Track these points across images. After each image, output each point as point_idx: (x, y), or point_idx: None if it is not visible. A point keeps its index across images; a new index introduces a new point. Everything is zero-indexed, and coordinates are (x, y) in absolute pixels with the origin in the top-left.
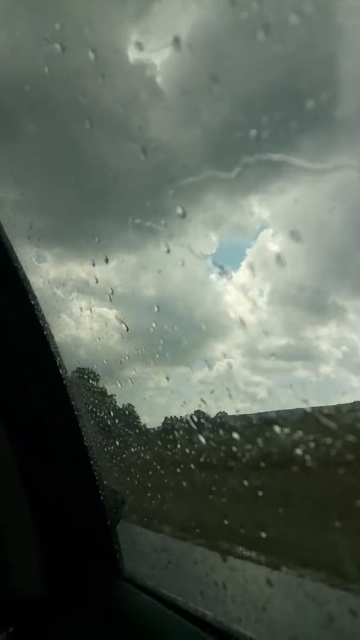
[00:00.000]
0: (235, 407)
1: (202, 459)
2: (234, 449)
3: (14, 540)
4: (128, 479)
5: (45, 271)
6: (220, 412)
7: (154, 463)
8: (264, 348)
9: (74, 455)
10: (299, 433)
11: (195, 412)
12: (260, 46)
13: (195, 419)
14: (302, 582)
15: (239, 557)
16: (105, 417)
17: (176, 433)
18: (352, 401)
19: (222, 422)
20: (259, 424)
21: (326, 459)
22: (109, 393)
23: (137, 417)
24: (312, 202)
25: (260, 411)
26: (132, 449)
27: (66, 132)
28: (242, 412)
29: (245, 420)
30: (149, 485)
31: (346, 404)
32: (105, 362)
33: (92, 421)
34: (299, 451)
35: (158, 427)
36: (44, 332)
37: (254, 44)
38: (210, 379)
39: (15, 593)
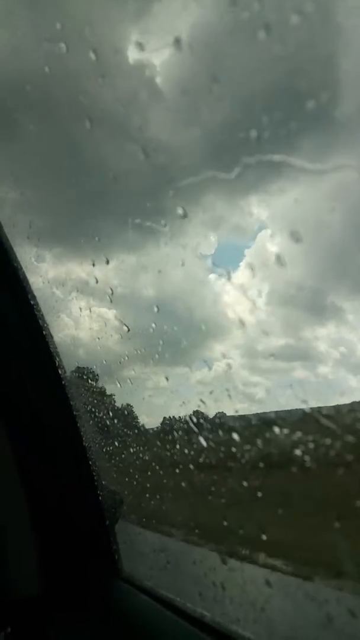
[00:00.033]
0: (234, 407)
1: (201, 460)
2: (233, 449)
3: (12, 540)
4: (127, 479)
5: (45, 271)
6: (219, 413)
7: (153, 463)
8: (262, 348)
9: (73, 455)
10: (298, 434)
11: (194, 412)
12: (260, 46)
13: (194, 419)
14: (301, 583)
15: (238, 558)
16: (104, 417)
17: (175, 433)
18: (351, 401)
19: (221, 422)
20: (258, 425)
21: (325, 459)
22: (108, 393)
23: (136, 417)
24: (312, 202)
25: (259, 411)
26: (131, 449)
27: (66, 132)
28: (241, 413)
29: (244, 420)
30: (148, 485)
31: (345, 404)
32: (104, 362)
33: (91, 421)
34: (298, 452)
35: (157, 427)
36: (44, 332)
37: (254, 43)
38: (209, 379)
39: (13, 592)
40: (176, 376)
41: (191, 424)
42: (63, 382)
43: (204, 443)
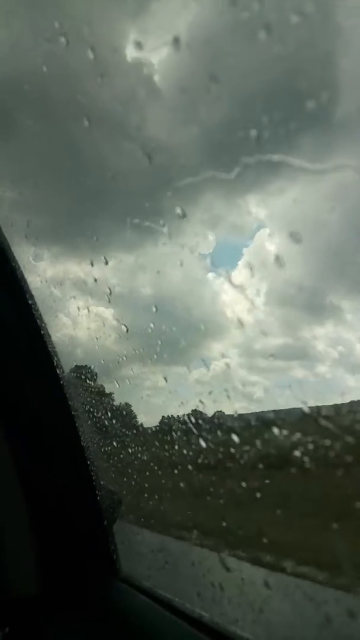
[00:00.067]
0: (233, 407)
1: (199, 460)
2: (232, 449)
3: (10, 540)
4: (125, 479)
5: (43, 270)
6: (217, 412)
7: (151, 463)
8: (261, 348)
9: (71, 455)
10: (297, 434)
11: (193, 411)
12: (259, 45)
13: (193, 418)
14: (300, 583)
15: (237, 558)
16: (103, 416)
17: (173, 433)
18: (349, 401)
19: (219, 422)
20: (256, 425)
21: (325, 460)
22: (106, 393)
23: (134, 417)
24: (311, 202)
25: (257, 411)
26: (130, 449)
27: (64, 131)
28: (239, 412)
29: (242, 420)
30: (146, 485)
31: (344, 404)
32: (102, 361)
33: (90, 421)
34: (297, 453)
35: (155, 427)
36: (41, 331)
37: (253, 43)
38: (207, 378)
39: (11, 592)
40: (175, 376)
41: (190, 424)
42: (61, 382)
43: (202, 443)
